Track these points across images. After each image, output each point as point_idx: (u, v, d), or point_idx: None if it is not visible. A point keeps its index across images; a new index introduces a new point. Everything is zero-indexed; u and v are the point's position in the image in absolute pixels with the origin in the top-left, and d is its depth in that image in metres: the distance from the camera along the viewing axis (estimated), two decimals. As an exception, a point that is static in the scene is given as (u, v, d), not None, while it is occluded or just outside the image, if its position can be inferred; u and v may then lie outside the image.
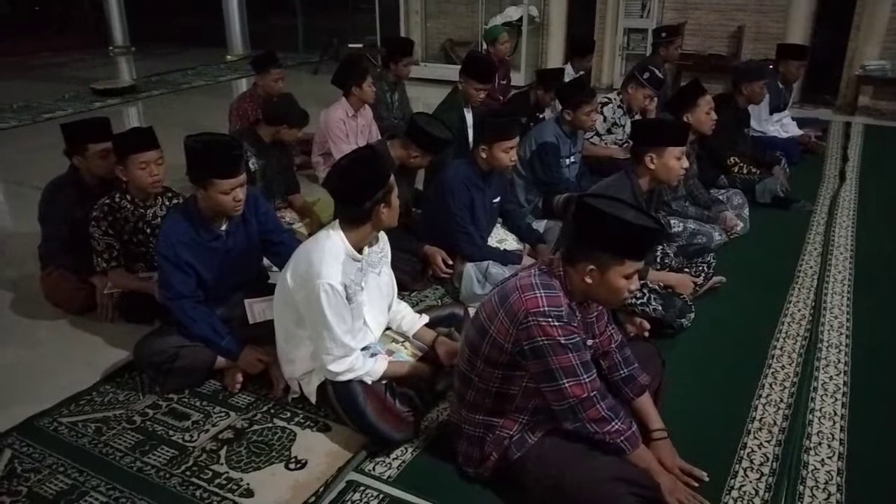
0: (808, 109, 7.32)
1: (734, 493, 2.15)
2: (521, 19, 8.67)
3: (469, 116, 4.44)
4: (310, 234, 3.77)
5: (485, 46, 6.61)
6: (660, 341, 2.92)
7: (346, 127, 4.55)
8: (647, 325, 2.99)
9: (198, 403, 2.60)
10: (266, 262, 3.04)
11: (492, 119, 3.39)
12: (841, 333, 3.08)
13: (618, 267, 1.88)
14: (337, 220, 2.35)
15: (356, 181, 2.26)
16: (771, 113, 5.59)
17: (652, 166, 2.92)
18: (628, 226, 1.85)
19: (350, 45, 9.94)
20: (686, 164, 2.97)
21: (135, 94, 8.24)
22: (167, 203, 3.09)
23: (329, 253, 2.25)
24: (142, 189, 2.98)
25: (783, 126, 5.71)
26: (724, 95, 4.80)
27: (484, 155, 3.31)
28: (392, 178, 2.31)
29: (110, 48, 11.28)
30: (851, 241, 4.09)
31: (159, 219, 3.01)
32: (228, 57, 10.70)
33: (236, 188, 2.57)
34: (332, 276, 2.22)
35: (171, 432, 2.44)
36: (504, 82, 6.31)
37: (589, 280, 1.90)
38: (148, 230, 3.05)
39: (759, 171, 4.70)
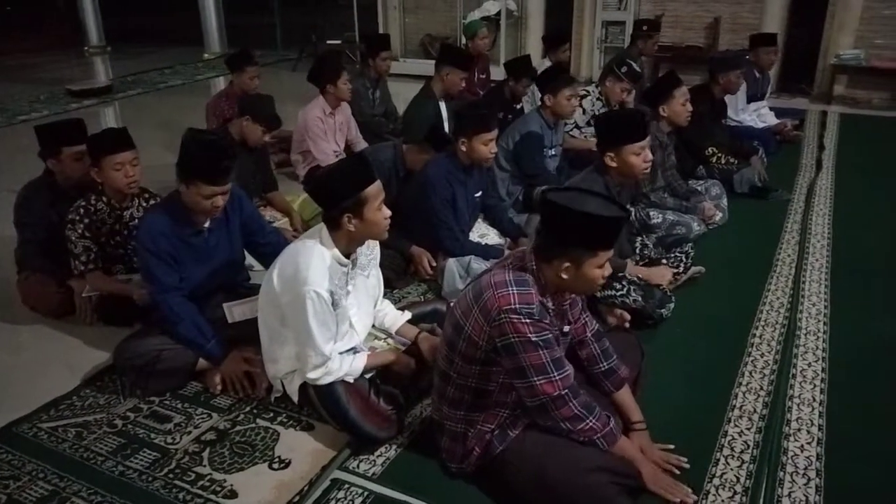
0: (785, 99, 7.39)
1: (716, 481, 2.17)
2: (499, 13, 8.68)
3: (444, 109, 4.43)
4: (294, 231, 3.77)
5: (464, 41, 6.61)
6: (641, 332, 2.94)
7: (323, 125, 4.53)
8: (627, 316, 3.01)
9: (179, 405, 2.58)
10: (248, 261, 3.03)
11: (470, 111, 3.39)
12: (819, 321, 3.12)
13: (591, 259, 1.89)
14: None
15: (325, 188, 2.25)
16: (748, 102, 5.64)
17: (613, 164, 2.93)
18: (595, 218, 1.86)
19: (328, 42, 9.90)
20: (649, 156, 2.94)
21: (111, 95, 8.15)
22: (144, 204, 3.06)
23: (316, 258, 2.23)
24: (118, 190, 2.96)
25: (760, 116, 5.76)
26: (701, 86, 4.84)
27: (464, 148, 3.31)
28: (373, 190, 2.23)
29: (85, 48, 11.15)
30: (828, 230, 4.14)
31: (136, 220, 2.98)
32: (205, 55, 10.62)
33: (218, 195, 2.55)
34: (319, 282, 2.20)
35: (152, 435, 2.42)
36: (483, 76, 6.31)
37: (565, 276, 1.91)
38: (125, 232, 3.02)
39: (736, 162, 4.74)
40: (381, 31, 9.04)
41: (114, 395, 2.64)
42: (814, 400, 2.57)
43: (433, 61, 4.82)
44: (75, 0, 11.04)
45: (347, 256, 2.31)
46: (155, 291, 2.62)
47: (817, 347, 2.91)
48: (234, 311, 2.74)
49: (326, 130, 4.53)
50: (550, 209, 1.92)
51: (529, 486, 1.99)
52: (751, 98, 5.62)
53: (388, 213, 2.30)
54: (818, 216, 4.33)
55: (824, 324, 3.10)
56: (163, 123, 6.38)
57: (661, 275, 3.23)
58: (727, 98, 5.09)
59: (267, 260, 2.76)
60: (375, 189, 2.24)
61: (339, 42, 9.75)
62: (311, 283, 2.19)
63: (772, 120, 5.82)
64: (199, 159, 2.52)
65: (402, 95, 6.21)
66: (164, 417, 2.52)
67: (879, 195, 4.75)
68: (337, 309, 2.29)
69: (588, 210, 1.87)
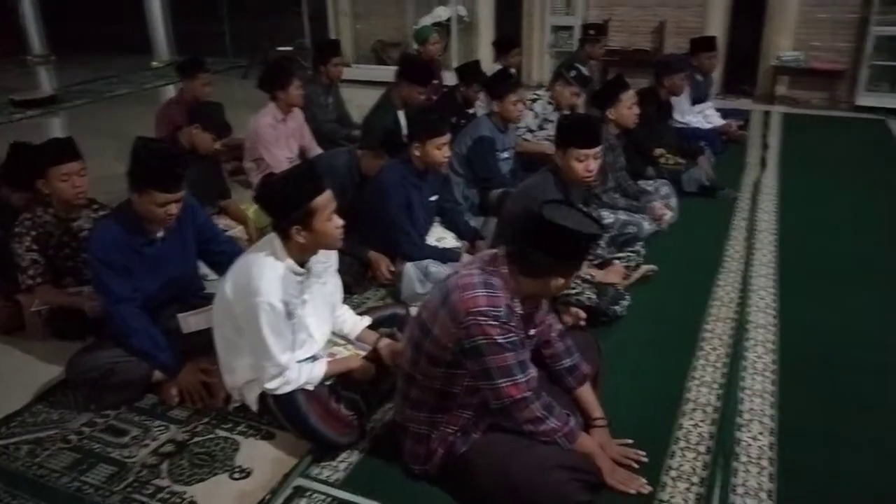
0: (730, 100, 7.58)
1: (672, 473, 2.23)
2: (450, 19, 8.74)
3: (402, 118, 4.45)
4: (248, 240, 3.73)
5: (415, 47, 6.63)
6: (596, 330, 3.00)
7: (275, 131, 4.48)
8: (582, 314, 3.07)
9: (136, 418, 2.54)
10: (203, 270, 2.99)
11: (422, 117, 3.41)
12: (767, 314, 3.22)
13: (574, 271, 1.97)
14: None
15: (273, 199, 2.23)
16: (693, 104, 5.79)
17: (560, 164, 2.98)
18: (589, 237, 1.94)
19: (279, 49, 9.82)
20: (592, 166, 2.93)
21: (56, 105, 7.93)
22: (92, 215, 3.00)
23: (268, 269, 2.20)
24: (65, 202, 2.89)
25: (706, 117, 5.91)
26: (647, 89, 4.96)
27: (418, 153, 3.33)
28: (322, 200, 2.20)
29: (28, 56, 10.82)
30: (774, 225, 4.28)
31: (85, 231, 2.92)
32: (154, 63, 10.42)
33: (171, 203, 2.52)
34: (271, 293, 2.18)
35: (109, 449, 2.37)
36: (436, 82, 6.33)
37: (554, 290, 1.98)
38: (74, 244, 2.95)
39: (684, 162, 4.86)
40: (332, 37, 9.01)
41: (67, 411, 2.58)
42: (765, 391, 2.66)
43: (385, 67, 4.84)
44: (15, 7, 10.70)
45: (302, 265, 2.29)
46: (107, 303, 2.57)
47: (767, 340, 3.01)
48: (190, 322, 2.70)
49: (279, 137, 4.49)
50: (549, 229, 1.88)
51: (492, 485, 2.01)
52: (694, 101, 5.77)
53: (339, 222, 2.27)
54: (764, 213, 4.48)
55: (773, 317, 3.20)
56: (111, 133, 6.24)
57: (615, 273, 3.30)
58: (673, 100, 5.23)
59: (221, 269, 2.72)
60: (325, 199, 2.22)
61: (290, 48, 9.66)
62: (263, 295, 2.16)
63: (717, 121, 5.98)
64: (152, 167, 2.48)
65: (356, 101, 6.22)
66: (121, 431, 2.47)
67: (822, 191, 4.92)
68: (292, 319, 2.27)
69: (589, 230, 1.93)
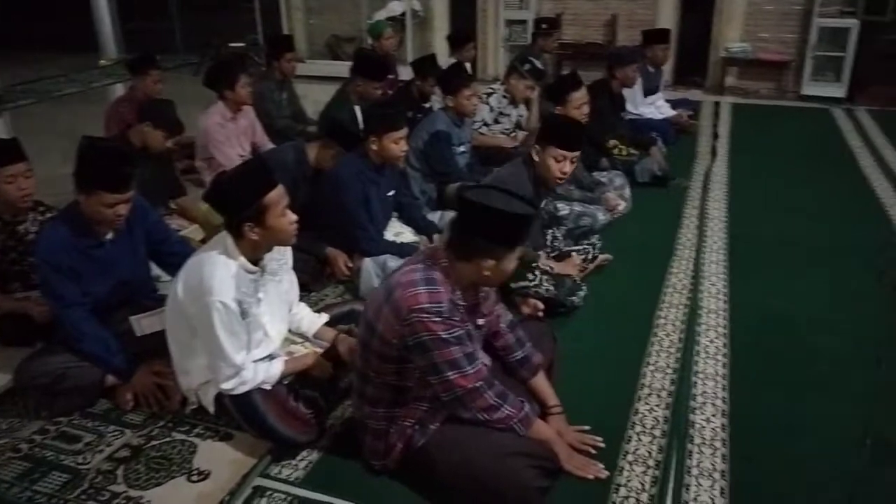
0: (681, 91, 7.73)
1: (629, 457, 2.27)
2: (404, 14, 8.71)
3: (359, 113, 4.43)
4: (203, 240, 3.67)
5: (370, 42, 6.60)
6: (554, 320, 3.05)
7: (224, 130, 4.41)
8: (540, 305, 3.10)
9: (89, 424, 2.49)
10: (155, 271, 2.94)
11: (378, 111, 3.40)
12: (719, 299, 3.30)
13: (511, 255, 1.96)
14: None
15: (223, 197, 2.21)
16: (645, 96, 5.88)
17: (536, 159, 3.01)
18: (520, 217, 1.93)
19: (231, 45, 9.67)
20: (566, 168, 2.98)
21: (0, 105, 7.68)
22: (39, 217, 2.92)
23: (220, 268, 2.17)
24: (10, 204, 2.81)
25: (658, 108, 6.02)
26: (600, 81, 5.02)
27: (374, 147, 3.31)
28: (273, 196, 2.18)
29: (-33, 56, 10.47)
30: (725, 213, 4.39)
31: (32, 234, 2.84)
32: (102, 61, 10.16)
33: (120, 204, 2.46)
34: (224, 292, 2.15)
35: (62, 457, 2.32)
36: (391, 77, 6.32)
37: (487, 273, 1.96)
38: (20, 247, 2.87)
39: (637, 153, 4.94)
40: (285, 32, 8.91)
41: (17, 419, 2.51)
42: (717, 374, 2.73)
43: (340, 62, 4.81)
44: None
45: (255, 263, 2.27)
46: (56, 307, 2.51)
47: (718, 325, 3.08)
48: (142, 324, 2.65)
49: (229, 135, 4.42)
50: (474, 210, 1.92)
51: (451, 475, 2.03)
52: (647, 92, 5.86)
53: (293, 217, 2.25)
54: (715, 201, 4.58)
55: (724, 302, 3.28)
56: (59, 133, 6.06)
57: (571, 265, 3.35)
58: (626, 92, 5.30)
59: (174, 270, 2.66)
60: (277, 195, 2.19)
61: (242, 45, 9.53)
62: (216, 294, 2.13)
63: (668, 111, 6.09)
64: (99, 167, 2.43)
65: (311, 97, 6.16)
66: (74, 438, 2.42)
67: (770, 179, 5.06)
68: (247, 318, 2.24)
69: (517, 210, 1.92)
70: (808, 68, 7.47)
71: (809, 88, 7.51)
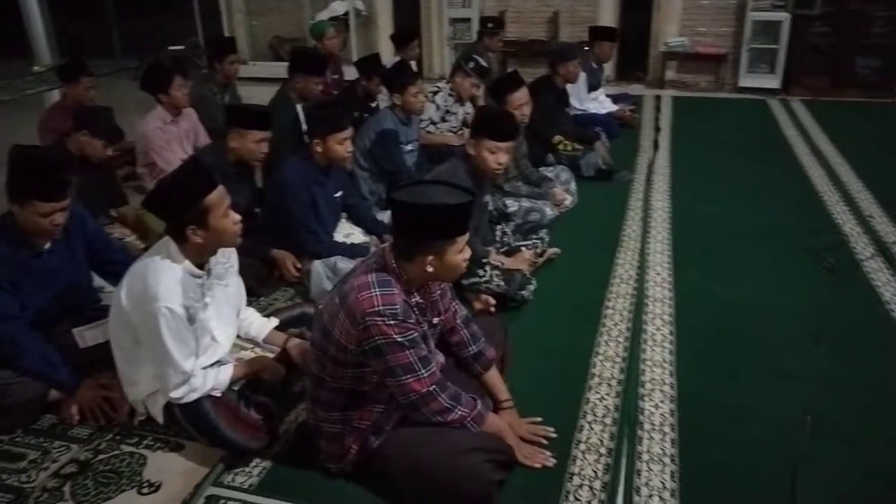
0: (623, 86, 7.89)
1: (581, 446, 2.31)
2: (347, 13, 8.66)
3: (301, 112, 4.39)
4: (145, 247, 3.59)
5: (313, 42, 6.54)
6: (506, 314, 3.07)
7: (165, 134, 4.32)
8: (492, 300, 3.13)
9: (33, 441, 2.41)
10: (98, 282, 2.86)
11: (321, 112, 3.37)
12: (664, 288, 3.38)
13: (452, 247, 1.95)
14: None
15: (163, 201, 2.16)
16: (589, 91, 5.98)
17: (472, 152, 3.03)
18: (446, 208, 1.92)
19: (171, 48, 9.47)
20: (502, 159, 3.02)
21: (-74, 115, 7.38)
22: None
23: (164, 273, 2.13)
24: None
25: (601, 103, 6.12)
26: (543, 78, 5.08)
27: (319, 149, 3.29)
28: (215, 197, 2.15)
29: None
30: (668, 203, 4.49)
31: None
32: (35, 68, 9.83)
33: (56, 212, 2.39)
34: (170, 298, 2.11)
35: (4, 476, 2.24)
36: (336, 77, 6.28)
37: (431, 269, 1.95)
38: (-48, 262, 2.76)
39: (582, 148, 5.01)
40: (226, 34, 8.76)
41: (-46, 441, 2.43)
42: (664, 361, 2.80)
43: (284, 63, 4.75)
44: None
45: (201, 267, 2.23)
46: (-7, 323, 2.42)
47: (664, 313, 3.16)
48: (86, 336, 2.58)
49: (170, 140, 4.33)
50: (400, 209, 1.95)
51: (408, 475, 2.03)
52: (591, 87, 5.96)
53: (236, 217, 2.23)
54: (658, 192, 4.69)
55: (669, 290, 3.36)
56: (-10, 143, 5.85)
57: (522, 260, 3.39)
58: (570, 88, 5.38)
59: (116, 279, 2.60)
60: (218, 195, 2.17)
61: (182, 48, 9.34)
62: (161, 300, 2.09)
63: (611, 106, 6.20)
64: (31, 176, 2.35)
65: (256, 99, 6.03)
66: (17, 456, 2.34)
67: (711, 169, 5.21)
68: (194, 323, 2.20)
69: (437, 202, 1.92)
70: (744, 61, 7.70)
71: (746, 80, 7.74)
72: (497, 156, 3.00)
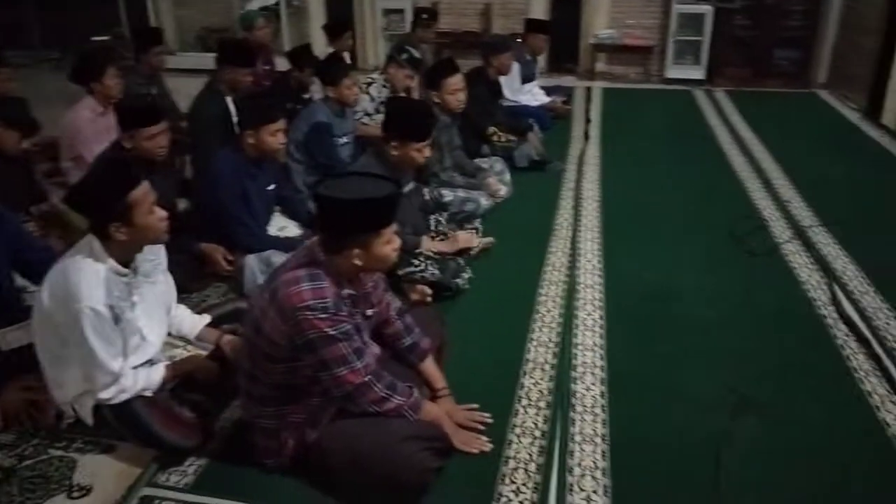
0: (555, 78, 8.01)
1: (517, 430, 2.37)
2: (278, 3, 8.52)
3: (231, 104, 4.30)
4: (69, 245, 3.47)
5: (242, 33, 6.41)
6: (442, 304, 3.11)
7: (95, 126, 4.18)
8: (428, 290, 3.16)
9: (-47, 450, 2.32)
10: (20, 282, 2.76)
11: (252, 103, 3.33)
12: (594, 275, 3.48)
13: (378, 239, 1.96)
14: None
15: (85, 198, 2.11)
16: (524, 83, 6.05)
17: (395, 153, 3.05)
18: (369, 201, 1.92)
19: (95, 38, 9.13)
20: (427, 152, 3.08)
21: None
22: None
23: (87, 272, 2.07)
24: None
25: (533, 95, 6.21)
26: (476, 69, 5.12)
27: (251, 141, 3.23)
28: (139, 193, 2.10)
29: None
30: (598, 193, 4.60)
31: None
32: (-55, 60, 9.32)
33: None
34: (94, 298, 2.05)
35: (-78, 487, 2.16)
36: (268, 68, 6.17)
37: (359, 261, 1.96)
38: None
39: (515, 139, 5.08)
40: (152, 24, 8.50)
41: None
42: (595, 345, 2.88)
43: (213, 54, 4.64)
44: None
45: (127, 265, 2.18)
46: None
47: (595, 298, 3.25)
48: (8, 338, 2.48)
49: (99, 131, 4.18)
50: (324, 204, 1.94)
51: (346, 467, 2.04)
52: (524, 79, 6.04)
53: (162, 214, 2.18)
54: (589, 182, 4.80)
55: (599, 277, 3.46)
56: None
57: (456, 243, 3.43)
58: (503, 79, 5.44)
59: (39, 279, 2.51)
60: (143, 191, 2.12)
61: (106, 38, 9.01)
62: (85, 300, 2.03)
63: (543, 98, 6.30)
64: None
65: (184, 91, 5.90)
66: (-65, 466, 2.25)
67: (639, 158, 5.35)
68: (121, 323, 2.15)
69: (360, 196, 1.92)
70: (671, 52, 7.93)
71: (672, 71, 7.98)
72: (423, 152, 3.06)
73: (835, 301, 3.20)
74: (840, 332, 2.97)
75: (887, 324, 3.01)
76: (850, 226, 3.99)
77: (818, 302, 3.21)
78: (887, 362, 2.73)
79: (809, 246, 3.77)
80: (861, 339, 2.89)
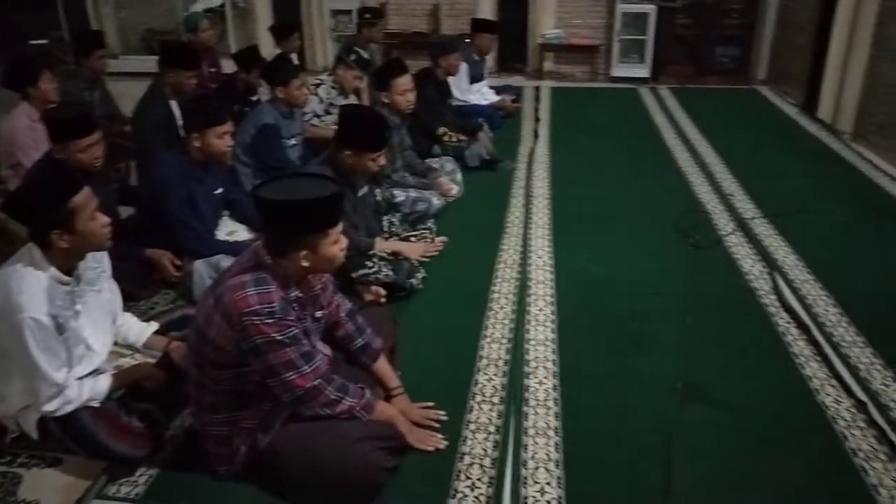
0: (504, 77, 8.08)
1: (472, 426, 2.39)
2: (223, 5, 8.40)
3: (176, 108, 4.23)
4: (8, 256, 3.36)
5: (187, 35, 6.31)
6: (396, 304, 3.12)
7: (33, 132, 4.05)
8: (382, 291, 3.16)
9: None
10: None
11: (198, 105, 3.28)
12: (546, 271, 3.53)
13: (324, 240, 1.95)
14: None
15: (25, 206, 2.06)
16: (472, 83, 6.09)
17: (350, 162, 3.06)
18: (314, 202, 1.91)
19: (32, 42, 8.85)
20: (382, 160, 3.12)
21: None
22: None
23: (28, 282, 2.01)
24: None
25: (483, 94, 6.25)
26: (425, 70, 5.13)
27: (197, 144, 3.17)
28: (81, 199, 2.06)
29: None
30: (548, 190, 4.66)
31: None
32: None
33: None
34: (35, 308, 1.99)
35: None
36: (213, 70, 6.08)
37: (306, 263, 1.94)
38: None
39: (466, 138, 5.10)
40: (93, 27, 8.29)
41: None
42: (547, 340, 2.92)
43: (156, 57, 4.55)
44: None
45: (69, 273, 2.13)
46: None
47: (546, 294, 3.29)
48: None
49: (38, 138, 4.05)
50: (266, 207, 1.92)
51: (300, 471, 2.03)
52: (473, 79, 6.08)
53: (105, 220, 2.14)
54: (538, 180, 4.86)
55: (551, 272, 3.51)
56: None
57: (413, 249, 3.44)
58: (452, 80, 5.46)
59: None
60: (84, 197, 2.07)
61: (45, 41, 8.75)
62: (25, 310, 1.98)
63: (492, 97, 6.35)
64: None
65: (128, 94, 5.77)
66: None
67: (587, 156, 5.44)
68: (65, 332, 2.09)
69: (303, 197, 1.90)
70: (616, 51, 8.07)
71: (618, 70, 8.12)
72: (377, 161, 3.09)
73: (776, 290, 3.30)
74: (782, 319, 3.07)
75: (826, 310, 3.12)
76: (789, 217, 4.12)
77: (760, 291, 3.32)
78: (826, 348, 2.83)
79: (751, 237, 3.89)
80: (801, 326, 3.00)
